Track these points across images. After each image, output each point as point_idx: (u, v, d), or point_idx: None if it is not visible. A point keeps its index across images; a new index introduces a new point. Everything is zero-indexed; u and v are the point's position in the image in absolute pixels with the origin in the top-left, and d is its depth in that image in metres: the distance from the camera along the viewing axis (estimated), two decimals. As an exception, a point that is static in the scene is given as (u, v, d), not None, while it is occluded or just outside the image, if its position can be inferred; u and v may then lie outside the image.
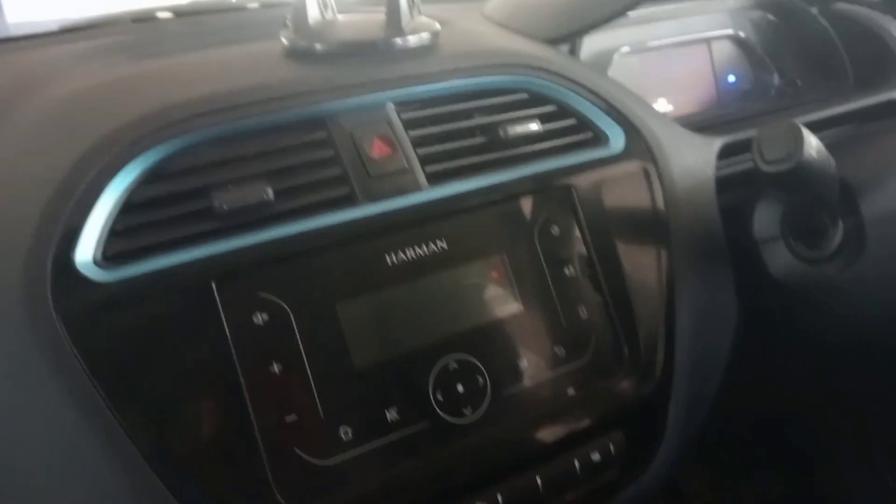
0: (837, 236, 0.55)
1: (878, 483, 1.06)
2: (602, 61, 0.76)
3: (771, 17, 0.86)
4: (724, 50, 0.84)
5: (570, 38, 0.66)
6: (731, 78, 0.83)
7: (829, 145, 0.54)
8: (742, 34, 0.84)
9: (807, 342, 0.60)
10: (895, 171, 0.51)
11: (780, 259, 0.58)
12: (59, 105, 0.48)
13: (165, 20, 0.74)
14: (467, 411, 0.45)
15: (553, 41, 0.63)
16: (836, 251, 0.55)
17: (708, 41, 0.83)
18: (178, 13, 0.75)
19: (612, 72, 0.77)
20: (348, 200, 0.46)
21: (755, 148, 0.47)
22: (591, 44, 0.74)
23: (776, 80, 0.84)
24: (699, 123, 0.76)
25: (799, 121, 0.67)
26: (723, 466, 1.15)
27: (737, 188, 0.62)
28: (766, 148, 0.46)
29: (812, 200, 0.50)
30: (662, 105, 0.80)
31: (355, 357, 0.43)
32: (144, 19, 0.74)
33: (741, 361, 0.60)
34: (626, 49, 0.78)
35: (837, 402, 0.90)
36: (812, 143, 0.46)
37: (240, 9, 0.77)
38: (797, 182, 0.47)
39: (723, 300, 0.57)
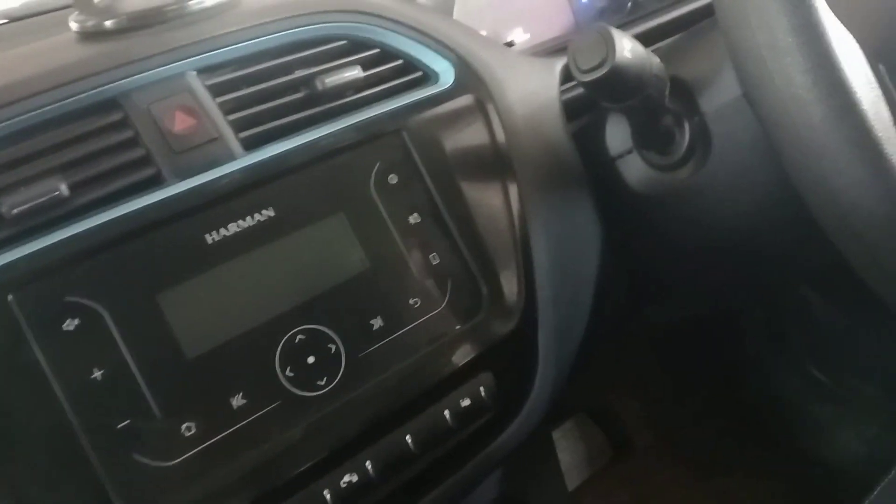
0: (685, 139, 0.54)
1: (813, 384, 1.09)
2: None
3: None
4: (572, -31, 0.82)
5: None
6: (584, -2, 0.82)
7: (662, 49, 0.53)
8: (588, -50, 0.82)
9: (677, 250, 0.59)
10: (724, 63, 0.50)
11: (635, 171, 0.57)
12: None
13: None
14: (322, 382, 0.43)
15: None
16: (686, 154, 0.54)
17: (555, -38, 0.81)
18: (13, 18, 0.69)
19: (459, 8, 0.74)
20: (155, 181, 0.43)
21: (570, 60, 0.45)
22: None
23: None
24: (559, 47, 0.75)
25: (639, 30, 0.67)
26: (653, 397, 1.17)
27: (589, 108, 0.61)
28: (581, 58, 0.45)
29: (645, 104, 0.49)
30: (519, 35, 0.77)
31: (186, 348, 0.41)
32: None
33: (619, 282, 0.59)
34: (470, -18, 0.75)
35: (729, 305, 0.91)
36: (625, 45, 0.44)
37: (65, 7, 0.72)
38: (619, 87, 0.46)
39: (581, 223, 0.56)
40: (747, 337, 1.12)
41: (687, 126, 0.54)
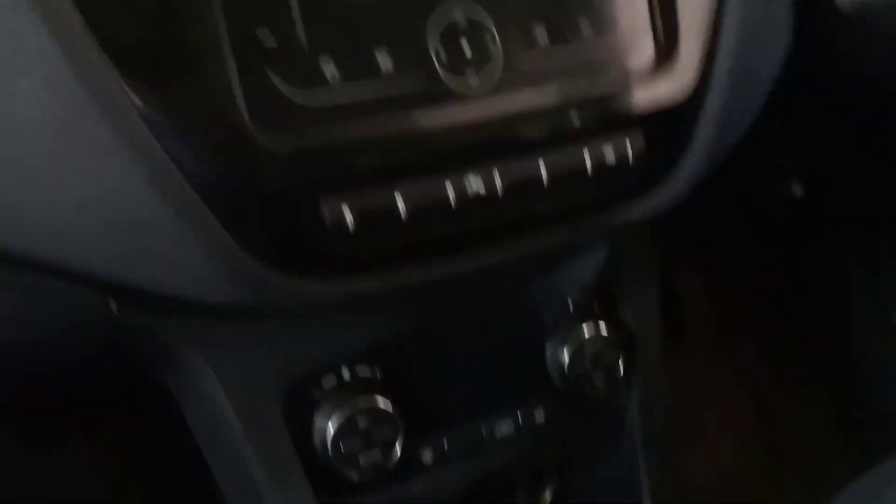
0: None
1: (880, 319, 1.03)
2: None
3: None
4: None
5: None
6: None
7: None
8: None
9: (861, 80, 0.53)
10: None
11: None
12: None
13: None
14: (471, 74, 0.39)
15: None
16: None
17: None
18: None
19: None
20: None
21: None
22: None
23: None
24: None
25: None
26: (726, 283, 1.12)
27: None
28: None
29: None
30: None
31: None
32: None
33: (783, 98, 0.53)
34: None
35: (864, 182, 0.84)
36: None
37: None
38: None
39: (777, 17, 0.49)
40: (845, 265, 1.06)
41: None
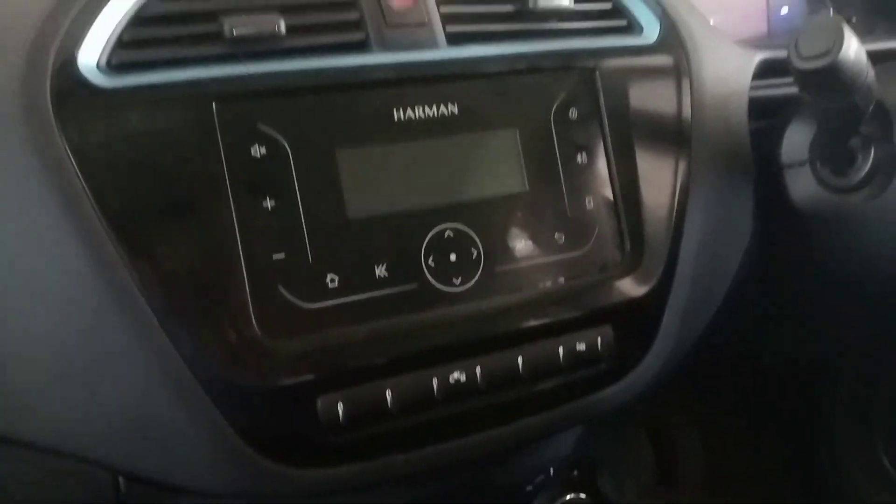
0: (868, 164, 0.52)
1: (879, 472, 1.04)
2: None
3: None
4: (780, -20, 0.80)
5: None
6: (784, 10, 0.79)
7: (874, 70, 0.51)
8: (802, -34, 0.80)
9: (823, 278, 0.58)
10: None
11: (803, 186, 0.56)
12: None
13: None
14: (457, 281, 0.44)
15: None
16: (864, 179, 0.52)
17: (765, -31, 0.79)
18: None
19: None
20: (361, 46, 0.44)
21: (793, 43, 0.44)
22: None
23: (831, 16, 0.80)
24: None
25: None
26: (718, 429, 1.15)
27: (770, 114, 0.59)
28: (805, 42, 0.44)
29: (844, 113, 0.48)
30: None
31: (350, 207, 0.42)
32: None
33: (749, 293, 0.58)
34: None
35: (846, 359, 0.87)
36: (852, 45, 0.43)
37: None
38: (831, 84, 0.45)
39: (737, 218, 0.54)
40: (830, 403, 1.08)
41: (873, 151, 0.52)
